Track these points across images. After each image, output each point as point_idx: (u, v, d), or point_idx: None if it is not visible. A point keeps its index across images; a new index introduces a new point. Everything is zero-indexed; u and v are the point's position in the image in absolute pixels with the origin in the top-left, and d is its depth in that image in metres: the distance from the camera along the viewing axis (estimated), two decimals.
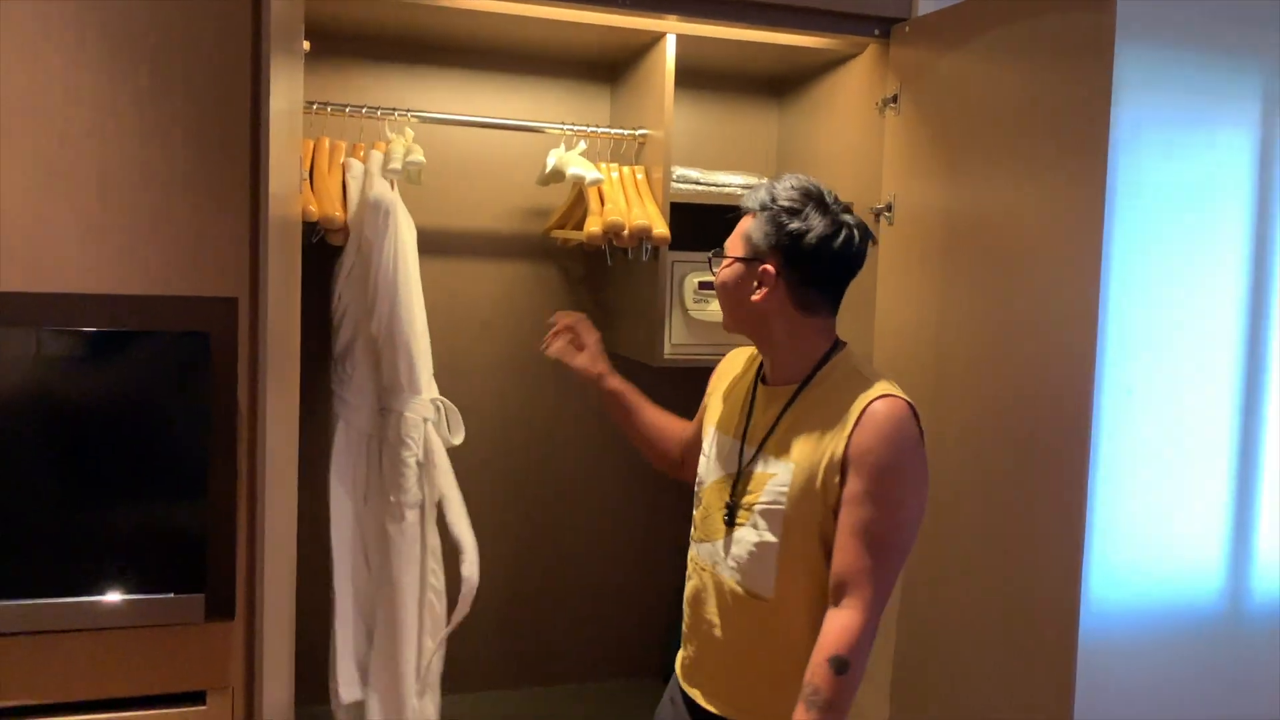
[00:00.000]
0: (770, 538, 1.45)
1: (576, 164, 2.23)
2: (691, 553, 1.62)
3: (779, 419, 1.50)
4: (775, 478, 1.46)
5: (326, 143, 2.13)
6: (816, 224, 1.46)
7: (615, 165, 2.33)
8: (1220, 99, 2.49)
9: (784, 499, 1.44)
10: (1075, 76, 1.67)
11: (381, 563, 2.12)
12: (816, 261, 1.47)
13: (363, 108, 2.16)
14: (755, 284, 1.49)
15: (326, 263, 2.15)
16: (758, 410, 1.54)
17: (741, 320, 1.54)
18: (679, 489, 2.72)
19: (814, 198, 1.49)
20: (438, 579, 2.15)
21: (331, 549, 2.09)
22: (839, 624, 1.36)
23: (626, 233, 2.15)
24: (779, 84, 2.69)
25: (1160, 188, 2.44)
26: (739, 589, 1.49)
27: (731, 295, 1.53)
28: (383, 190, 2.04)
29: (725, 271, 1.54)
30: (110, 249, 1.63)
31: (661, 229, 2.18)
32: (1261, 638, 2.64)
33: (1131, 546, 2.54)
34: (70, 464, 1.70)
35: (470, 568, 2.13)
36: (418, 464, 2.10)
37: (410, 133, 2.22)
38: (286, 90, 1.42)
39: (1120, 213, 2.39)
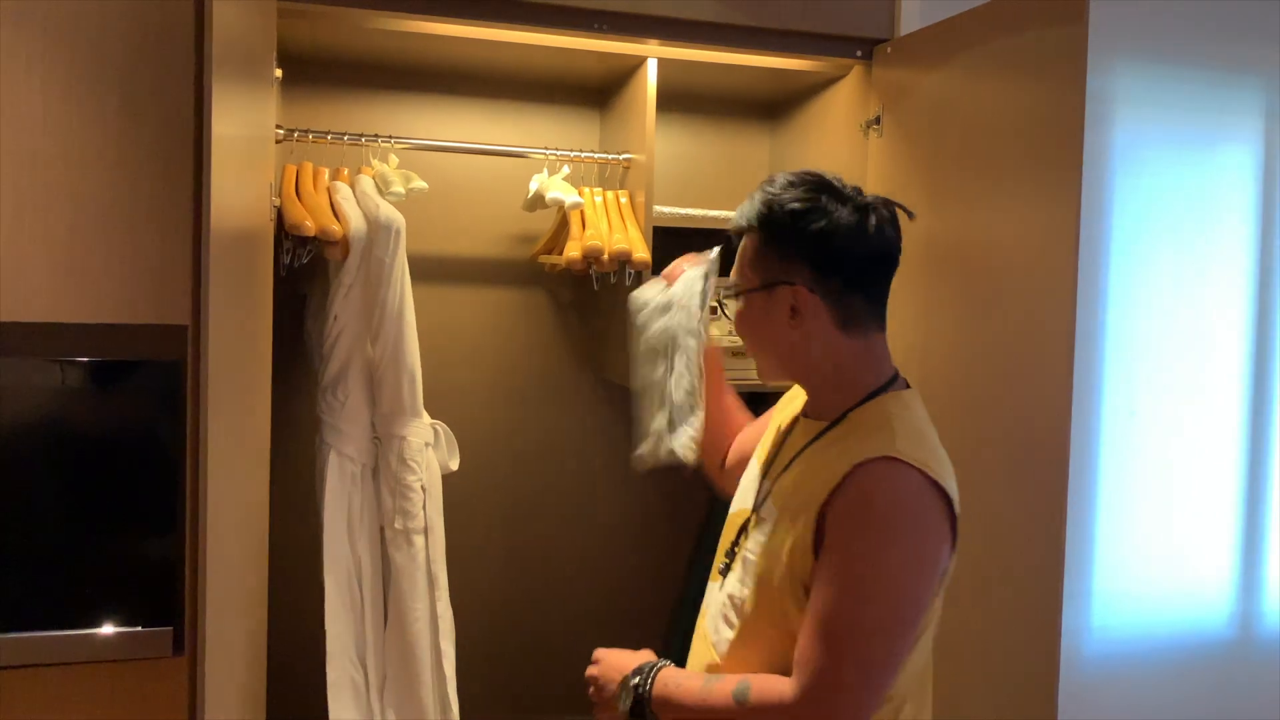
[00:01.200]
0: (744, 588, 1.26)
1: (557, 188, 2.22)
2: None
3: (794, 459, 1.28)
4: (763, 524, 1.26)
5: (310, 166, 2.13)
6: (841, 215, 1.22)
7: (599, 190, 2.31)
8: (1220, 113, 2.45)
9: (760, 549, 1.24)
10: (1050, 93, 1.64)
11: (375, 594, 2.09)
12: (852, 260, 1.23)
13: (344, 135, 2.16)
14: (789, 312, 1.24)
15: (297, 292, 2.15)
16: (788, 445, 1.33)
17: (785, 361, 1.29)
18: (674, 513, 2.69)
19: (825, 188, 1.24)
20: (444, 607, 2.13)
21: (325, 584, 2.05)
22: (774, 682, 1.17)
23: (606, 257, 2.13)
24: (770, 107, 2.68)
25: (1160, 204, 2.40)
26: (711, 633, 1.32)
27: (762, 335, 1.28)
28: (391, 211, 2.04)
29: (746, 310, 1.28)
30: (81, 277, 1.63)
31: (642, 253, 2.15)
32: (1273, 663, 2.56)
33: (1136, 572, 2.48)
34: (43, 496, 1.69)
35: (444, 605, 2.12)
36: (423, 489, 2.08)
37: (395, 159, 2.22)
38: (242, 115, 1.41)
39: (1116, 230, 2.36)
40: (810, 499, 1.18)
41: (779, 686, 1.16)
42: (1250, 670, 2.55)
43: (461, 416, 2.50)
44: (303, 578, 2.12)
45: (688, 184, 2.61)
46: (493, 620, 2.59)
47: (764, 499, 1.28)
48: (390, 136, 2.21)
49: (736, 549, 1.30)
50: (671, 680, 1.26)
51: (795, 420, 1.36)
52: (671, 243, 2.38)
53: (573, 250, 2.16)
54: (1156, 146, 2.42)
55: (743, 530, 1.30)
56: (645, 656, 1.33)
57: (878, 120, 2.10)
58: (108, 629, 1.70)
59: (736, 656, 1.26)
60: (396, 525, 2.06)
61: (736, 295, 1.30)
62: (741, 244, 1.30)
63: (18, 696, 1.66)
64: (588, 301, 2.57)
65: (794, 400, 1.42)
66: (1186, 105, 2.40)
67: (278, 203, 1.96)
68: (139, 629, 1.70)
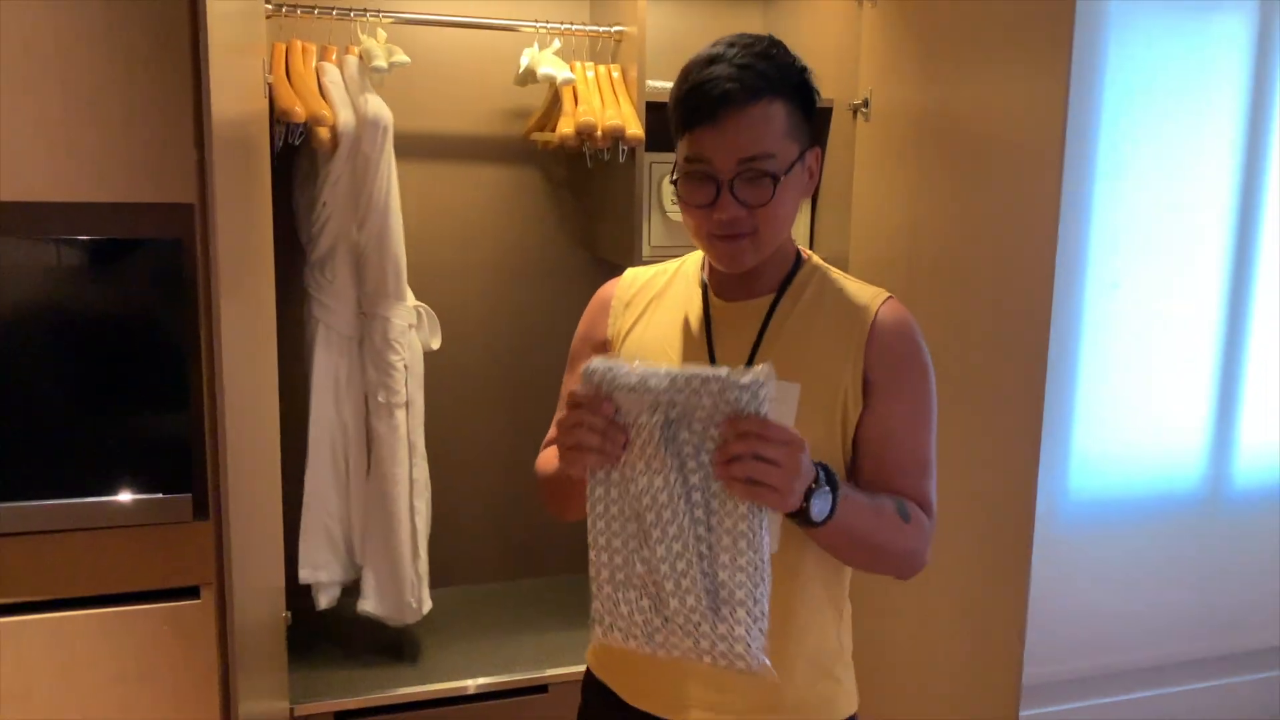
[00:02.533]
0: None
1: (548, 63, 2.20)
2: None
3: (760, 335, 1.23)
4: (774, 401, 1.17)
5: (299, 44, 2.11)
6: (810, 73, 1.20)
7: (591, 64, 2.30)
8: None
9: (789, 423, 1.15)
10: None
11: (359, 458, 2.21)
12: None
13: (332, 9, 2.14)
14: (808, 177, 1.23)
15: (288, 170, 2.16)
16: (721, 331, 1.24)
17: (784, 232, 1.22)
18: None
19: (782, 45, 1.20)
20: (421, 471, 2.26)
21: (307, 444, 2.17)
22: (913, 505, 1.20)
23: (600, 133, 2.14)
24: None
25: (1151, 75, 2.40)
26: None
27: (792, 208, 1.20)
28: (379, 107, 2.06)
29: (789, 185, 1.17)
30: (78, 157, 1.64)
31: (635, 129, 2.16)
32: (1242, 523, 2.70)
33: (1114, 437, 2.58)
34: (59, 370, 1.75)
35: (420, 469, 2.24)
36: (405, 367, 2.16)
37: (383, 34, 2.19)
38: None
39: (1107, 101, 2.37)
40: (836, 356, 1.19)
41: (917, 510, 1.21)
42: (1219, 528, 2.68)
43: (455, 294, 2.55)
44: (298, 441, 2.22)
45: (679, 58, 2.56)
46: (487, 489, 2.69)
47: None
48: (379, 11, 2.18)
49: None
50: (843, 482, 1.14)
51: (704, 310, 1.26)
52: (663, 119, 2.38)
53: (565, 127, 2.16)
54: (1150, 15, 2.40)
55: None
56: None
57: None
58: (129, 496, 1.78)
59: (791, 535, 1.18)
60: (380, 399, 2.17)
61: (787, 172, 1.16)
62: (757, 111, 1.14)
63: (55, 558, 1.75)
64: (581, 179, 2.58)
65: (634, 306, 1.32)
66: None
67: (270, 81, 1.95)
68: (159, 495, 1.79)
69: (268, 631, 1.73)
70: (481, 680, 2.26)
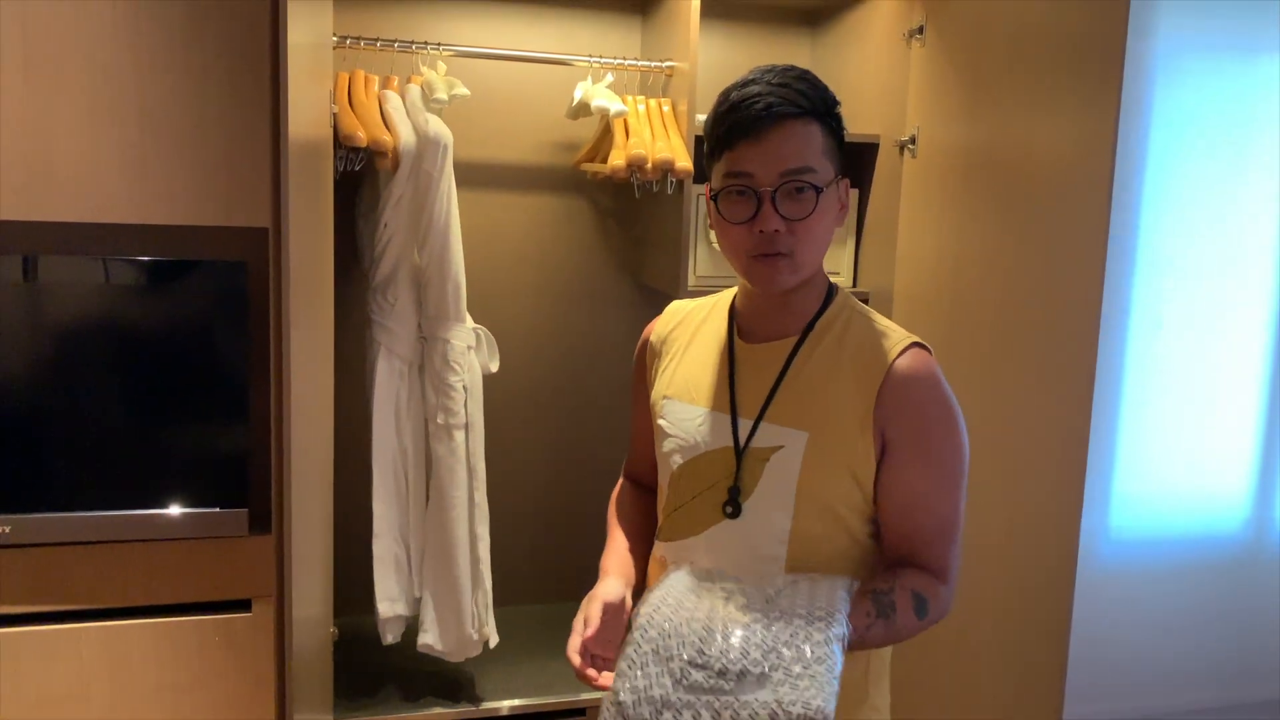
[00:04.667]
0: (776, 523, 1.20)
1: (601, 96, 2.25)
2: (657, 552, 1.32)
3: (779, 380, 1.22)
4: (781, 451, 1.19)
5: (361, 75, 2.18)
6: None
7: (642, 98, 2.35)
8: (1263, 23, 2.43)
9: (794, 475, 1.18)
10: (1093, 2, 1.65)
11: (419, 481, 2.23)
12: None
13: (394, 42, 2.21)
14: (840, 206, 1.21)
15: (351, 194, 2.22)
16: (745, 373, 1.25)
17: (818, 260, 1.21)
18: None
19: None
20: (481, 495, 2.26)
21: (372, 469, 2.20)
22: (923, 576, 1.18)
23: (650, 165, 2.18)
24: (812, 14, 2.68)
25: (1197, 115, 2.40)
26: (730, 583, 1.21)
27: (826, 232, 1.19)
28: (440, 126, 2.10)
29: (825, 205, 1.16)
30: (152, 181, 1.70)
31: (685, 162, 2.20)
32: None
33: (1154, 478, 2.56)
34: (124, 386, 1.81)
35: (481, 495, 2.25)
36: (464, 388, 2.20)
37: (443, 66, 2.26)
38: (309, 23, 1.46)
39: (1154, 141, 2.37)
40: (848, 407, 1.17)
41: (929, 585, 1.18)
42: (1260, 574, 2.65)
43: (505, 318, 2.60)
44: (352, 464, 2.26)
45: None
46: (535, 510, 2.73)
47: (753, 433, 1.22)
48: (439, 44, 2.25)
49: (740, 486, 1.22)
50: (854, 639, 1.12)
51: (728, 350, 1.27)
52: None
53: (616, 158, 2.21)
54: (1197, 56, 2.41)
55: (739, 468, 1.22)
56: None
57: (921, 30, 2.11)
58: (188, 510, 1.83)
59: (795, 569, 1.20)
60: (439, 420, 2.18)
61: (824, 188, 1.16)
62: (791, 129, 1.15)
63: (113, 568, 1.80)
64: (628, 209, 2.62)
65: (674, 341, 1.34)
66: (1228, 14, 2.38)
67: (335, 110, 2.01)
68: (216, 510, 1.84)
69: (318, 646, 1.76)
70: (516, 702, 2.27)
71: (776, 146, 1.14)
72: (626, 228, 2.66)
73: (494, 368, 2.30)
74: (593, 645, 1.19)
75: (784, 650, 1.02)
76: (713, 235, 2.35)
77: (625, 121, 2.27)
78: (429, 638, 2.22)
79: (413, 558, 2.25)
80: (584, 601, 1.25)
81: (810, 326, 1.22)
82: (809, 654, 1.01)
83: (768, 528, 1.20)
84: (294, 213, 1.27)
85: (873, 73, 2.35)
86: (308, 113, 1.48)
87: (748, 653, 1.02)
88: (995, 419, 1.91)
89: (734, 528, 1.22)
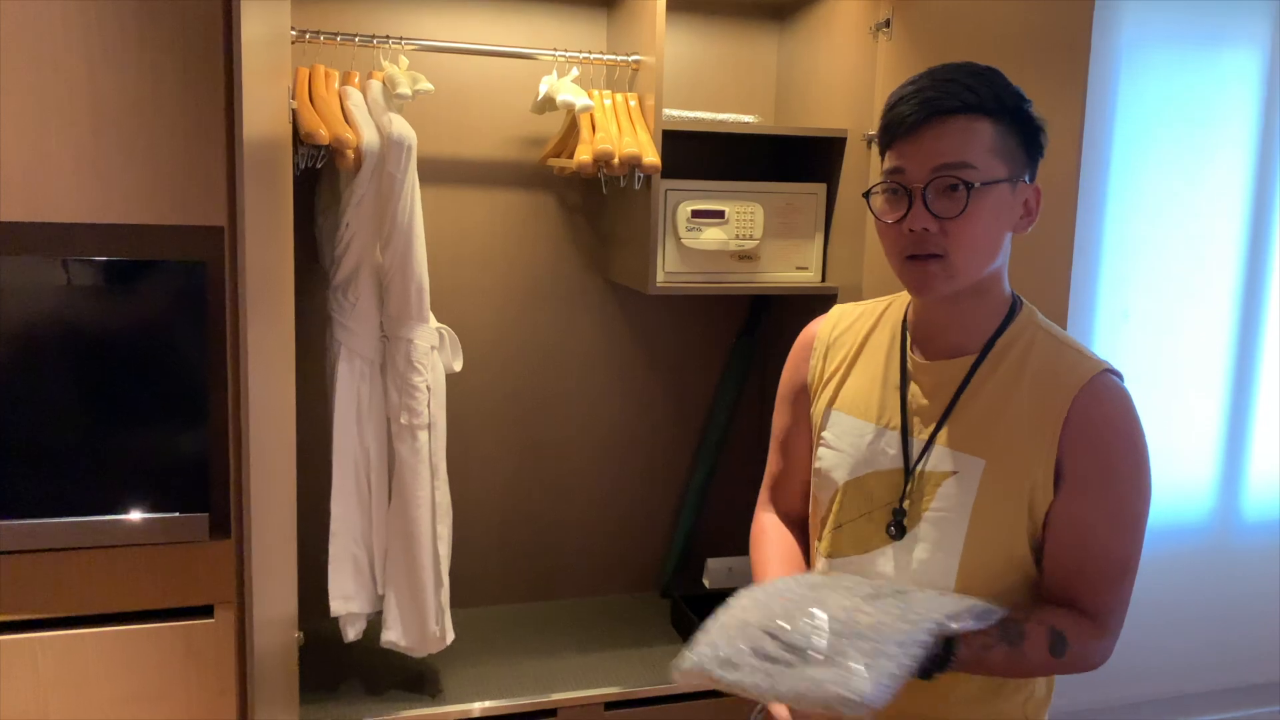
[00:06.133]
0: (945, 552, 1.15)
1: (567, 91, 2.23)
2: (820, 567, 1.27)
3: (954, 401, 1.17)
4: (955, 477, 1.15)
5: (321, 70, 2.14)
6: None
7: (608, 92, 2.33)
8: (1228, 18, 2.45)
9: (968, 505, 1.13)
10: None
11: (381, 481, 2.21)
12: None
13: (354, 36, 2.17)
14: (1023, 211, 1.15)
15: (310, 191, 2.18)
16: (918, 390, 1.19)
17: (983, 266, 1.13)
18: (678, 410, 2.79)
19: None
20: (443, 495, 2.24)
21: (333, 470, 2.17)
22: (1073, 617, 1.12)
23: (617, 161, 2.16)
24: (779, 8, 2.66)
25: (1162, 107, 2.43)
26: None
27: (991, 236, 1.12)
28: (404, 126, 2.07)
29: (982, 203, 1.10)
30: (104, 179, 1.66)
31: (652, 157, 2.18)
32: (1251, 555, 2.69)
33: None
34: (80, 389, 1.77)
35: (443, 493, 2.23)
36: (428, 388, 2.17)
37: (405, 61, 2.22)
38: (265, 17, 1.43)
39: (1118, 134, 2.39)
40: (1028, 435, 1.12)
41: (1077, 625, 1.13)
42: (1227, 561, 2.68)
43: (471, 316, 2.57)
44: (315, 465, 2.23)
45: (695, 87, 2.61)
46: (503, 508, 2.70)
47: (925, 454, 1.17)
48: (400, 38, 2.21)
49: (905, 511, 1.18)
50: (967, 655, 1.10)
51: (901, 363, 1.22)
52: (678, 147, 2.42)
53: (583, 154, 2.19)
54: (1161, 47, 2.43)
55: (905, 493, 1.18)
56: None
57: (888, 23, 2.11)
58: (146, 515, 1.79)
59: None
60: (402, 421, 2.16)
61: (984, 185, 1.09)
62: (958, 124, 1.10)
63: (70, 575, 1.77)
64: (595, 204, 2.60)
65: (839, 346, 1.29)
66: (1191, 8, 2.40)
67: (294, 105, 1.98)
68: (176, 515, 1.80)
69: (282, 651, 1.74)
70: (487, 703, 2.25)
71: (931, 142, 1.09)
72: (594, 224, 2.64)
73: (457, 367, 2.28)
74: None
75: (861, 642, 1.01)
76: (682, 231, 2.34)
77: (591, 116, 2.25)
78: (392, 635, 2.21)
79: (375, 556, 2.24)
80: None
81: (990, 344, 1.16)
82: (884, 649, 1.00)
83: (936, 553, 1.16)
84: (252, 211, 1.24)
85: (840, 67, 2.34)
86: (265, 109, 1.45)
87: (823, 635, 1.02)
88: None
89: (901, 551, 1.18)
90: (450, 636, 2.25)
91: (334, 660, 2.37)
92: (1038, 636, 1.10)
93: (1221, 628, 2.69)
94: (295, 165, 2.04)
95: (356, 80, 2.15)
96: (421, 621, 2.21)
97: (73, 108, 1.61)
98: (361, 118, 2.07)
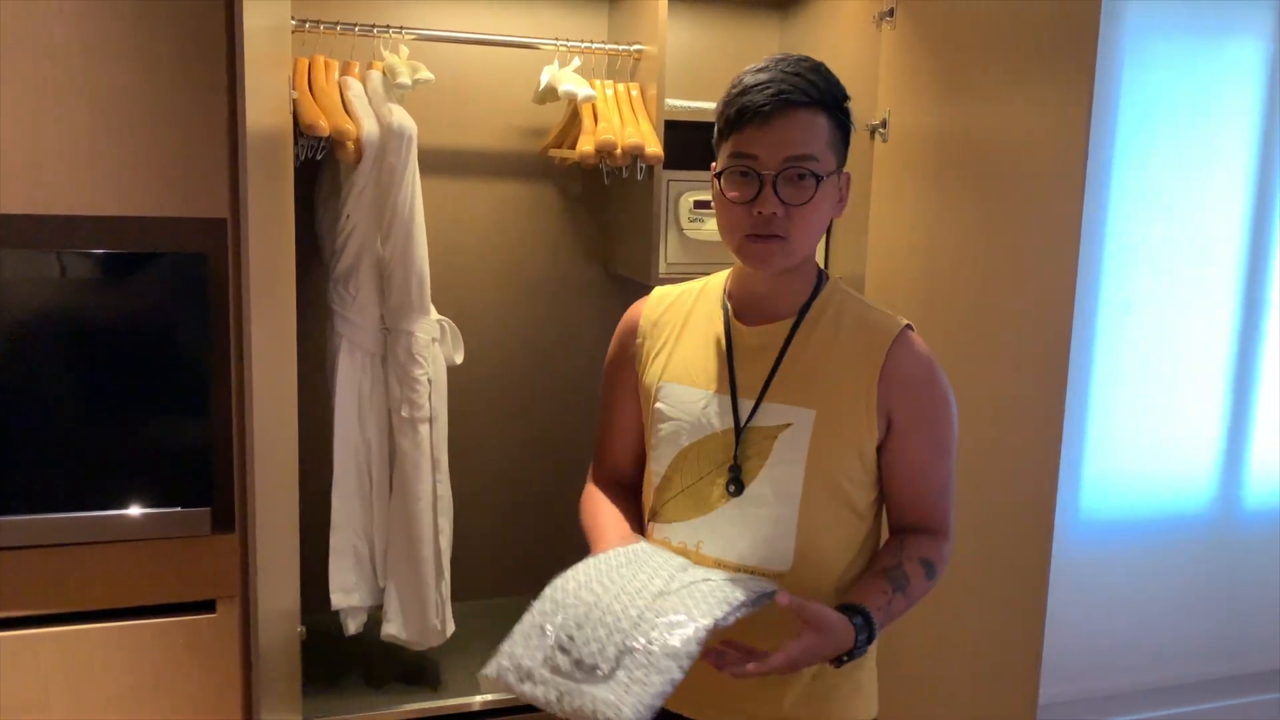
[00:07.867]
0: (784, 503, 1.24)
1: (569, 80, 2.21)
2: (659, 536, 1.33)
3: (779, 361, 1.27)
4: (789, 429, 1.24)
5: (321, 60, 2.12)
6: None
7: (610, 82, 2.31)
8: (1231, 8, 2.44)
9: (803, 454, 1.23)
10: None
11: (382, 474, 2.20)
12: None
13: (354, 26, 2.15)
14: (839, 198, 1.27)
15: (309, 181, 2.16)
16: (743, 356, 1.29)
17: (810, 248, 1.26)
18: None
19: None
20: (444, 488, 2.24)
21: (334, 462, 2.16)
22: (924, 540, 1.28)
23: (619, 151, 2.15)
24: None
25: (1166, 97, 2.42)
26: (743, 566, 1.26)
27: (821, 222, 1.24)
28: (404, 117, 2.06)
29: (823, 193, 1.21)
30: (104, 171, 1.64)
31: (654, 148, 2.17)
32: (1252, 544, 2.70)
33: (1125, 460, 2.58)
34: (80, 383, 1.75)
35: (444, 486, 2.23)
36: (429, 380, 2.16)
37: (405, 50, 2.21)
38: (266, 6, 1.42)
39: (1122, 125, 2.38)
40: (851, 386, 1.24)
41: (933, 546, 1.29)
42: (1228, 550, 2.69)
43: (471, 307, 2.56)
44: (317, 458, 2.21)
45: (697, 77, 2.60)
46: (502, 501, 2.70)
47: (755, 411, 1.26)
48: (401, 27, 2.20)
49: (740, 468, 1.26)
50: (881, 618, 1.20)
51: (725, 333, 1.30)
52: (681, 137, 2.40)
53: (585, 144, 2.17)
54: (1165, 38, 2.42)
55: (739, 448, 1.26)
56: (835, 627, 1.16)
57: (891, 12, 2.09)
58: (148, 509, 1.78)
59: (806, 543, 1.25)
60: (403, 413, 2.16)
61: (825, 177, 1.20)
62: (797, 118, 1.19)
63: (71, 571, 1.75)
64: (597, 195, 2.59)
65: (662, 325, 1.36)
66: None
67: (295, 96, 1.96)
68: (178, 509, 1.79)
69: (285, 646, 1.73)
70: (488, 696, 2.25)
71: (782, 132, 1.18)
72: (596, 215, 2.62)
73: (458, 359, 2.27)
74: None
75: (636, 645, 1.07)
76: (685, 221, 2.33)
77: (594, 106, 2.24)
78: (393, 628, 2.21)
79: (376, 549, 2.23)
80: None
81: (805, 309, 1.28)
82: (660, 648, 1.06)
83: (776, 503, 1.25)
84: (254, 203, 1.22)
85: (843, 56, 2.32)
86: (266, 100, 1.43)
87: (605, 650, 1.08)
88: (968, 403, 1.90)
89: (742, 506, 1.26)
90: (451, 629, 2.25)
91: (334, 653, 2.37)
92: (915, 571, 1.25)
93: (1222, 616, 2.70)
94: (295, 156, 2.03)
95: (356, 70, 2.13)
96: (422, 614, 2.20)
97: (72, 99, 1.59)
98: (361, 108, 2.05)
